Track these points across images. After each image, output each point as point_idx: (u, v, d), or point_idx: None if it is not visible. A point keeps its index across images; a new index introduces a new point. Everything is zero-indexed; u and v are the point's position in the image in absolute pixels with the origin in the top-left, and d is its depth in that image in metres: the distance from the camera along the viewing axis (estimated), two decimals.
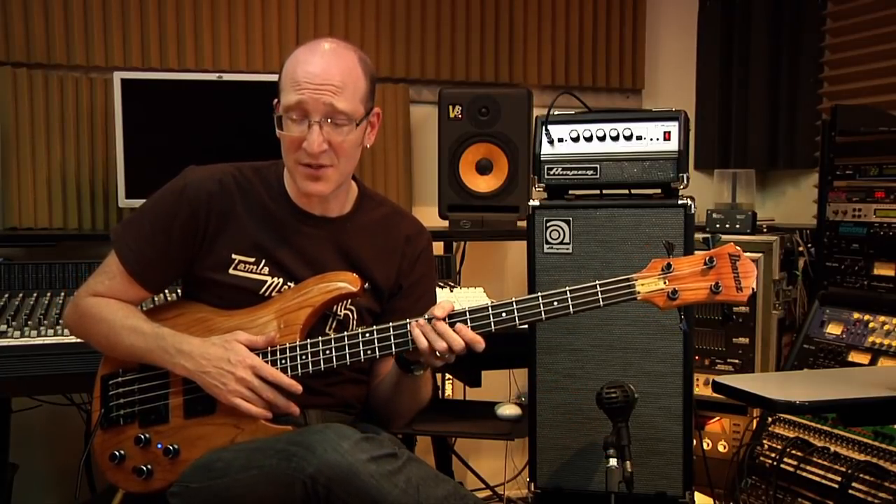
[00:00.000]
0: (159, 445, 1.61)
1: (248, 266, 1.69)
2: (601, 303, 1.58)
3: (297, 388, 1.58)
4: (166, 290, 2.34)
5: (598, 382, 1.99)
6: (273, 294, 1.69)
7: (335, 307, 1.72)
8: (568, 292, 1.58)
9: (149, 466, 1.62)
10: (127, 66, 2.83)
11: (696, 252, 1.60)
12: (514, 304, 1.58)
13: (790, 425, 2.49)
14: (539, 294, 1.58)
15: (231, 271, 1.69)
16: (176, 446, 1.62)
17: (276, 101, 1.68)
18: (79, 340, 1.77)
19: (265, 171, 1.76)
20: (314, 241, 1.73)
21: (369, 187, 1.86)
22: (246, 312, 1.68)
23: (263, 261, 1.70)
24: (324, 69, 1.61)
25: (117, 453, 1.65)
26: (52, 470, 2.88)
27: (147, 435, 1.63)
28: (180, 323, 1.69)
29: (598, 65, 3.43)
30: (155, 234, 1.68)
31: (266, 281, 1.69)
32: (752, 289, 1.57)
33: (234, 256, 1.69)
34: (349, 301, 1.73)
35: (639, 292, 1.58)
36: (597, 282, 1.58)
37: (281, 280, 1.70)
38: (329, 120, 1.60)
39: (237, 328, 1.65)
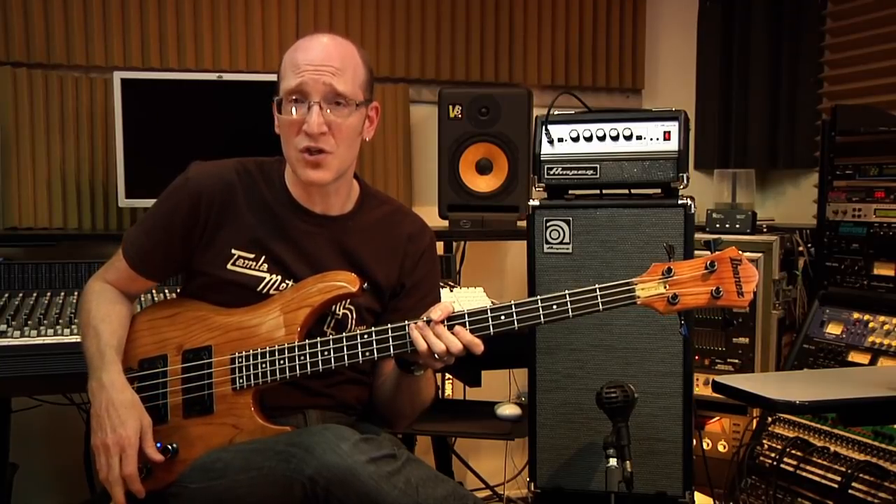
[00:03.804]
0: (158, 444, 1.61)
1: (246, 262, 1.69)
2: (601, 307, 1.57)
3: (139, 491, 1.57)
4: (166, 290, 2.34)
5: (598, 382, 1.99)
6: (271, 292, 1.69)
7: (334, 306, 1.72)
8: (567, 296, 1.57)
9: (147, 465, 1.62)
10: (127, 66, 2.83)
11: (696, 255, 1.59)
12: (512, 307, 1.58)
13: (790, 425, 2.49)
14: (538, 297, 1.58)
15: (229, 266, 1.69)
16: (174, 445, 1.62)
17: (274, 99, 1.69)
18: (79, 340, 1.77)
19: (268, 167, 1.76)
20: (314, 239, 1.72)
21: (372, 186, 1.86)
22: (245, 311, 1.67)
23: (263, 257, 1.70)
24: (324, 53, 1.64)
25: None
26: (52, 470, 2.88)
27: None
28: (178, 321, 1.69)
29: (598, 65, 3.43)
30: (156, 227, 1.72)
31: (264, 278, 1.69)
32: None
33: (233, 251, 1.69)
34: (348, 300, 1.73)
35: (639, 296, 1.57)
36: (596, 286, 1.57)
37: (279, 278, 1.70)
38: (329, 101, 1.62)
39: (237, 327, 1.66)
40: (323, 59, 1.63)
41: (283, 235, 1.71)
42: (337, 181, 1.70)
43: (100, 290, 1.75)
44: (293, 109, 1.63)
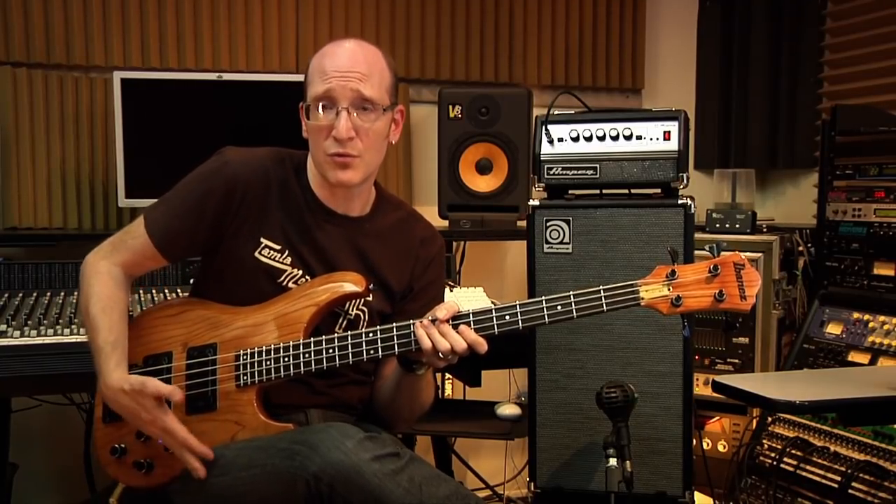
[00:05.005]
0: (160, 441, 1.61)
1: (272, 252, 1.70)
2: (604, 308, 1.58)
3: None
4: (166, 290, 2.34)
5: (598, 382, 1.99)
6: (290, 284, 1.70)
7: (346, 306, 1.73)
8: (572, 296, 1.57)
9: (149, 461, 1.62)
10: (127, 65, 2.83)
11: (697, 257, 1.60)
12: (517, 307, 1.58)
13: (790, 425, 2.50)
14: (543, 298, 1.58)
15: (256, 255, 1.69)
16: None
17: (301, 104, 1.70)
18: (79, 340, 1.80)
19: (297, 160, 1.77)
20: (333, 238, 1.74)
21: (387, 190, 1.87)
22: (251, 310, 1.68)
23: (287, 250, 1.71)
24: (350, 59, 1.66)
25: (118, 447, 1.65)
26: (52, 470, 2.88)
27: None
28: (184, 319, 1.69)
29: (598, 65, 3.43)
30: (187, 209, 1.69)
31: (286, 270, 1.70)
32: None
33: (262, 240, 1.70)
34: (361, 301, 1.74)
35: (642, 298, 1.57)
36: (601, 287, 1.58)
37: (300, 272, 1.71)
38: (356, 107, 1.64)
39: (242, 325, 1.66)
40: (350, 65, 1.64)
41: (305, 232, 1.72)
42: (362, 184, 1.72)
43: (107, 273, 1.70)
44: (321, 115, 1.65)
